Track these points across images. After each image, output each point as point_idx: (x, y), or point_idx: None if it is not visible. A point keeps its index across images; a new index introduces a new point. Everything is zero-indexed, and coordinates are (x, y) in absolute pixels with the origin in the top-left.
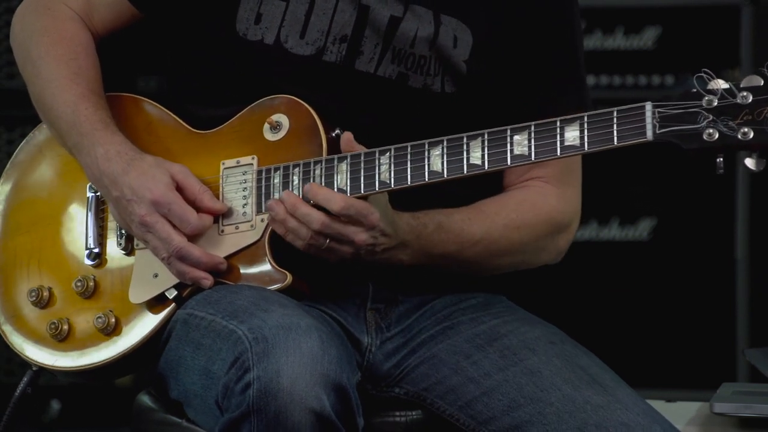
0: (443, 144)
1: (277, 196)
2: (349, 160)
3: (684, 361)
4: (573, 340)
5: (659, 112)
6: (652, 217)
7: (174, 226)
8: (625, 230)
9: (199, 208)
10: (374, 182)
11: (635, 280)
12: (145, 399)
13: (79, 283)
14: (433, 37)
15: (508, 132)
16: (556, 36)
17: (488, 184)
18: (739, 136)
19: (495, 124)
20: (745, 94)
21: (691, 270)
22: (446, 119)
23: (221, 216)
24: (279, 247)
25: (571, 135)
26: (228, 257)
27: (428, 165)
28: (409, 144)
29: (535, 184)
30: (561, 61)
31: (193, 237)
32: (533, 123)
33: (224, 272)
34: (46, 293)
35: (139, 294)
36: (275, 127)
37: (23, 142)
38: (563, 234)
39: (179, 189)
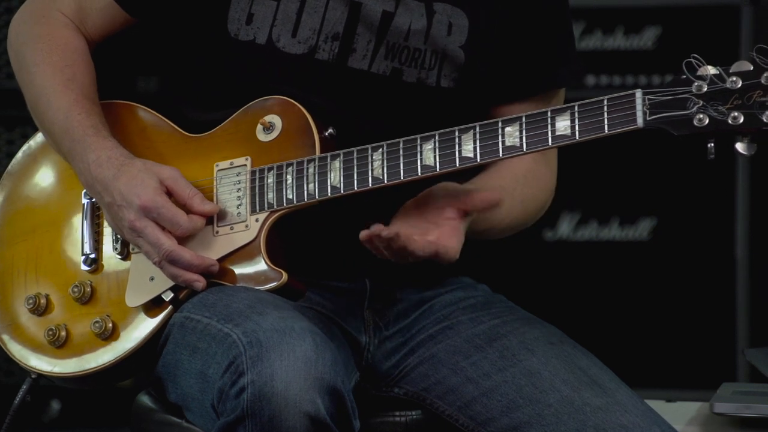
0: (435, 138)
1: (271, 195)
2: (342, 157)
3: (684, 361)
4: (572, 340)
5: (649, 99)
6: (652, 217)
7: (164, 230)
8: (625, 230)
9: (189, 212)
10: (367, 179)
11: (635, 280)
12: (145, 399)
13: (75, 289)
14: (427, 30)
15: (500, 124)
16: (549, 9)
17: None
18: (730, 121)
19: (490, 114)
20: (734, 79)
21: (691, 270)
22: (441, 113)
23: (216, 217)
24: (274, 246)
25: (562, 125)
26: (223, 258)
27: (421, 159)
28: (401, 139)
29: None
30: (556, 34)
31: (187, 239)
32: (524, 114)
33: (220, 273)
34: (43, 300)
35: (135, 298)
36: (268, 127)
37: (19, 152)
38: (549, 201)
39: (169, 193)
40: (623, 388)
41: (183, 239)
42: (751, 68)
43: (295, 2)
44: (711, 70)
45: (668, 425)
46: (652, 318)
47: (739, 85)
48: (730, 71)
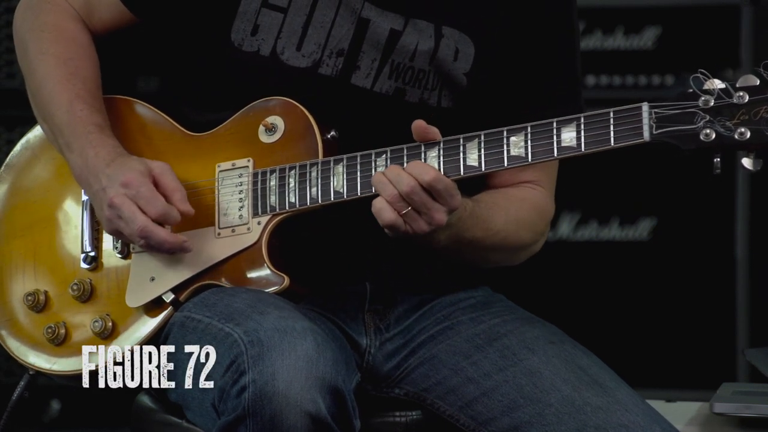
0: (439, 146)
1: (273, 198)
2: (345, 162)
3: (684, 361)
4: (573, 339)
5: (656, 113)
6: (652, 217)
7: (141, 209)
8: (625, 230)
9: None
10: (371, 184)
11: (635, 280)
12: (145, 399)
13: (75, 287)
14: (434, 52)
15: (505, 133)
16: (555, 45)
17: (482, 187)
18: (736, 137)
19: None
20: (741, 94)
21: (691, 270)
22: (441, 132)
23: (218, 219)
24: (276, 249)
25: (568, 136)
26: (225, 260)
27: None
28: (405, 146)
29: (526, 186)
30: (559, 69)
31: (189, 239)
32: (530, 124)
33: (221, 275)
34: (42, 297)
35: (136, 298)
36: (270, 129)
37: (18, 145)
38: (544, 237)
39: (155, 184)
40: (624, 387)
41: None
42: (758, 83)
43: (302, 16)
44: (718, 84)
45: (669, 424)
46: (652, 318)
47: (746, 100)
48: (737, 86)
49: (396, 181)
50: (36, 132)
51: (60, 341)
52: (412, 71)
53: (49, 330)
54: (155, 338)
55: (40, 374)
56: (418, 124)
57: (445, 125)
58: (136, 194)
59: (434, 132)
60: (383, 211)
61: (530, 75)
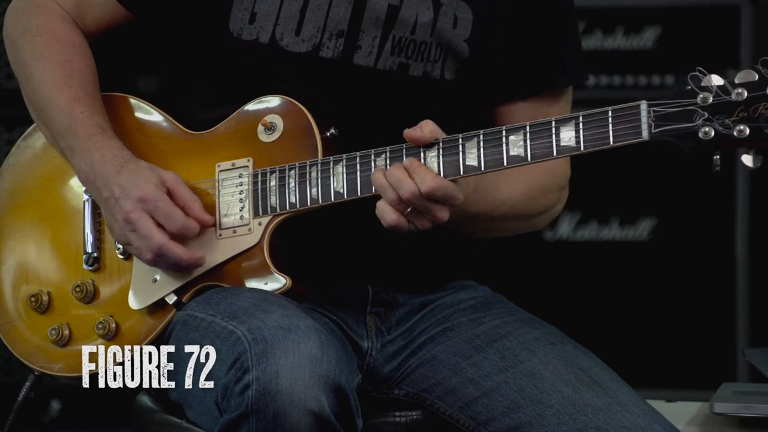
0: (439, 145)
1: (273, 199)
2: (345, 162)
3: (684, 361)
4: (573, 340)
5: (654, 111)
6: (652, 217)
7: (157, 225)
8: (625, 230)
9: (187, 216)
10: (371, 185)
11: (635, 280)
12: (145, 399)
13: (78, 288)
14: (433, 22)
15: (503, 132)
16: (554, 9)
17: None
18: (735, 134)
19: (495, 113)
20: (739, 90)
21: (691, 270)
22: (445, 107)
23: (218, 220)
24: (277, 249)
25: (567, 135)
26: (227, 261)
27: None
28: (404, 146)
29: None
30: (560, 35)
31: (191, 241)
32: (528, 123)
33: (223, 276)
34: (45, 298)
35: (139, 300)
36: (270, 128)
37: (16, 145)
38: (563, 198)
39: (169, 195)
40: (624, 388)
41: (187, 241)
42: (756, 78)
43: (299, 0)
44: (716, 81)
45: (670, 424)
46: (652, 318)
47: (745, 97)
48: (735, 82)
49: (397, 186)
50: (36, 132)
51: (64, 342)
52: (414, 44)
53: (54, 331)
54: (159, 339)
55: (45, 375)
56: (406, 134)
57: (449, 99)
58: (154, 209)
59: (422, 138)
60: (386, 212)
61: (530, 44)
